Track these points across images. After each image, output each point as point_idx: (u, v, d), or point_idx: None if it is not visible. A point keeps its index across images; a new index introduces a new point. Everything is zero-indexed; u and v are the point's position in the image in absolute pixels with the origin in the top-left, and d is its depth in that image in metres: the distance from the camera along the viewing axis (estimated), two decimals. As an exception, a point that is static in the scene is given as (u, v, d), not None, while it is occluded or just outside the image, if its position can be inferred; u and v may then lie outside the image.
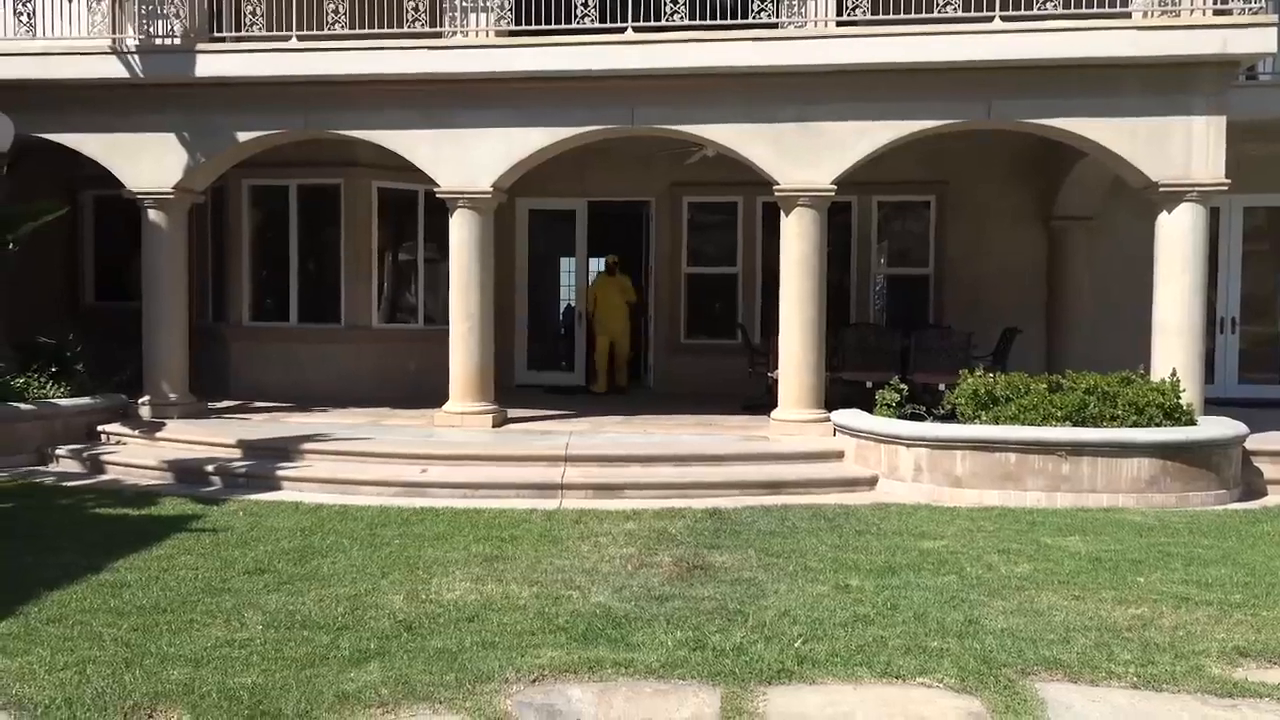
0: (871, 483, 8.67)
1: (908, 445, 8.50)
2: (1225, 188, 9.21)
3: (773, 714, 3.99)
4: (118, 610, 5.16)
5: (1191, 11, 9.04)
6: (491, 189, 10.02)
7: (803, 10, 9.60)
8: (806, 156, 9.54)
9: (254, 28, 10.22)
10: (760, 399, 11.09)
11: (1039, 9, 9.25)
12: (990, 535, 6.94)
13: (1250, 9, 8.93)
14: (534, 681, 4.27)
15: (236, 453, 9.23)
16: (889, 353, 10.91)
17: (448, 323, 10.34)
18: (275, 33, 10.15)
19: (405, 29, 9.97)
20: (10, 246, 10.27)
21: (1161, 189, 9.18)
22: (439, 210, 10.58)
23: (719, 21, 9.53)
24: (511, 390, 12.65)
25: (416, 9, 9.95)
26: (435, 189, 10.18)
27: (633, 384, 13.67)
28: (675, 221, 13.25)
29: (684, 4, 9.53)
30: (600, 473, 8.60)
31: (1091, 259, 12.44)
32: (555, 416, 10.81)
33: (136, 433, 9.94)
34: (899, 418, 8.83)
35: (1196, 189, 9.14)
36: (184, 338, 10.84)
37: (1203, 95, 9.10)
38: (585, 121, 9.83)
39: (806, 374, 9.65)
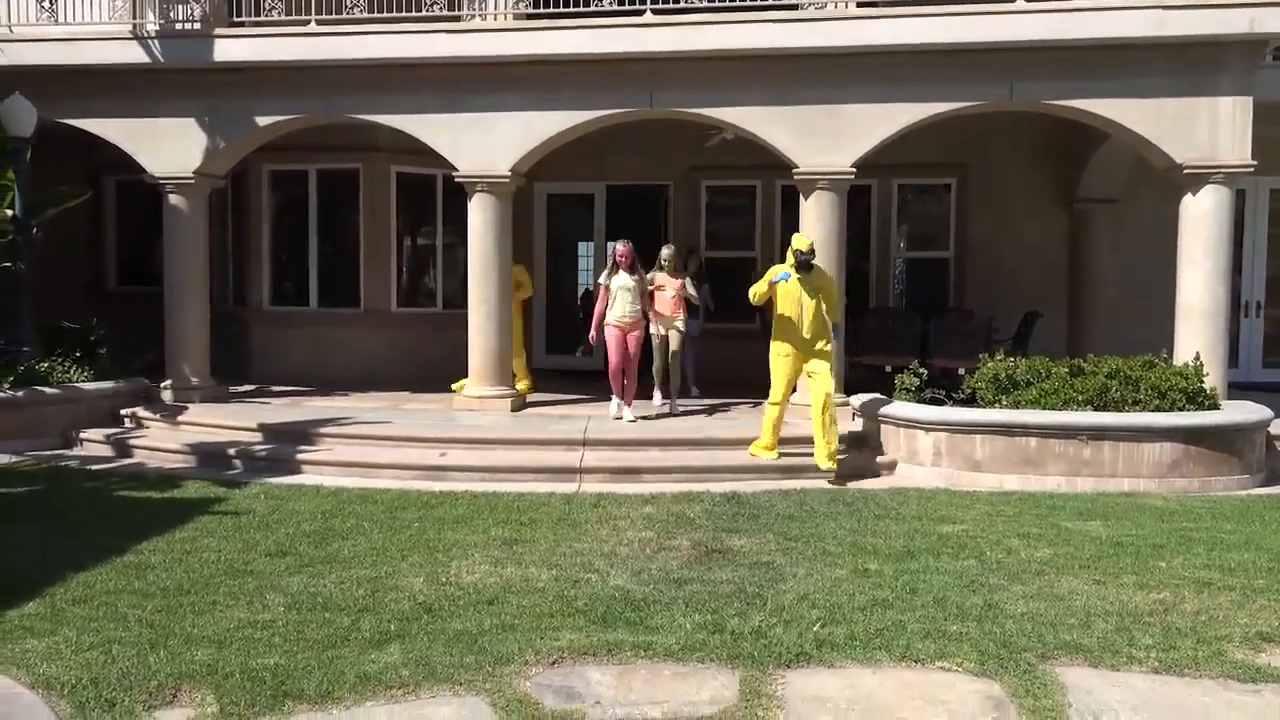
0: (890, 467, 8.65)
1: (927, 430, 8.47)
2: (1251, 169, 9.11)
3: (791, 697, 3.99)
4: (142, 591, 5.22)
5: (1218, -10, 8.91)
6: (510, 173, 10.02)
7: (823, -9, 9.52)
8: (826, 139, 9.49)
9: (273, 12, 10.24)
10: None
11: (1062, -12, 9.15)
12: (1010, 520, 6.91)
13: (1279, -13, 8.79)
14: (553, 664, 4.29)
15: (257, 436, 9.30)
16: (908, 337, 10.85)
17: (466, 307, 10.36)
18: (294, 17, 10.17)
19: (424, 12, 9.97)
20: (34, 231, 10.36)
21: (1186, 171, 9.08)
22: (458, 194, 10.58)
23: (739, 3, 9.47)
24: (529, 374, 12.66)
25: (435, -8, 9.95)
26: (454, 173, 10.18)
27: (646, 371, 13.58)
28: (694, 205, 13.21)
29: (703, -15, 9.49)
30: (618, 456, 8.62)
31: (1114, 242, 12.32)
32: (573, 400, 10.82)
33: (159, 416, 10.03)
34: (918, 402, 8.79)
35: (1222, 171, 9.03)
36: (205, 322, 10.92)
37: (1229, 75, 8.98)
38: (604, 105, 9.80)
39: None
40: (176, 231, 10.65)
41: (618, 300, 9.62)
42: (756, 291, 8.58)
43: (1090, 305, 12.37)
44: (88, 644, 4.46)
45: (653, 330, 10.04)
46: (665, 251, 10.19)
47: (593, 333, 9.68)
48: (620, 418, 9.61)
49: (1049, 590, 5.29)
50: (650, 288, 9.91)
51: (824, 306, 8.46)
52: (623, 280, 9.64)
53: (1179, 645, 4.48)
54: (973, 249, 12.76)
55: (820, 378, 8.35)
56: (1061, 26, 8.92)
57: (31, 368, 10.00)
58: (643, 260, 9.96)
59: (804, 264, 8.45)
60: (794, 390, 8.80)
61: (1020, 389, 8.52)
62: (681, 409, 10.18)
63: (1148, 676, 4.21)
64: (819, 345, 8.43)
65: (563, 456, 8.62)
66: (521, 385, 10.90)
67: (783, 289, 8.43)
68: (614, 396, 9.86)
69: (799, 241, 8.53)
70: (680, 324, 10.08)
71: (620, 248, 9.68)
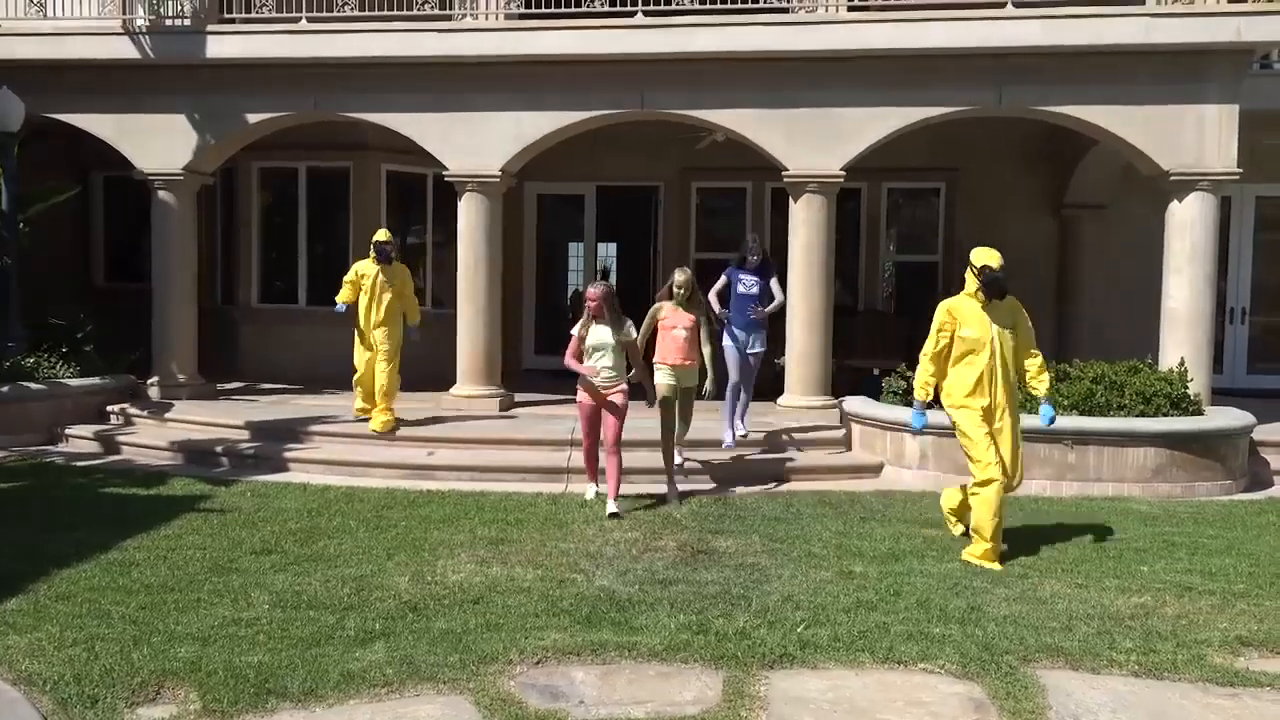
0: (877, 469, 8.67)
1: (914, 433, 8.48)
2: (1237, 177, 9.17)
3: (774, 697, 4.01)
4: (126, 588, 5.21)
5: (1206, -2, 8.98)
6: (500, 172, 10.02)
7: (814, -5, 9.55)
8: (816, 142, 9.51)
9: (264, 9, 10.22)
10: (767, 385, 11.06)
11: (1052, -5, 9.20)
12: (995, 523, 6.93)
13: (1265, -4, 8.86)
14: (538, 663, 4.30)
15: (245, 434, 9.27)
16: (897, 340, 10.90)
17: (456, 306, 10.35)
18: (285, 14, 10.15)
19: (415, 11, 9.96)
20: (21, 227, 10.32)
21: (1173, 177, 9.14)
22: (448, 193, 10.58)
23: (729, 5, 9.49)
24: (519, 374, 12.67)
25: (426, -9, 9.95)
26: (444, 172, 10.17)
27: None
28: (684, 207, 13.22)
29: (694, -12, 9.50)
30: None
31: (1102, 247, 12.38)
32: (562, 401, 10.80)
33: (146, 413, 9.99)
34: (906, 405, 8.81)
35: (1208, 178, 9.09)
36: (193, 319, 10.88)
37: (1216, 83, 9.04)
38: (595, 105, 9.81)
39: (813, 361, 9.64)
40: (165, 228, 10.62)
41: (591, 360, 7.20)
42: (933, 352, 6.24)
43: (1077, 310, 12.43)
44: (71, 640, 4.45)
45: (657, 381, 7.53)
46: (679, 276, 7.69)
47: (570, 360, 7.31)
48: (597, 500, 7.32)
49: (1031, 593, 5.32)
50: (655, 324, 7.67)
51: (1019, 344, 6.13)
52: (598, 336, 7.15)
53: (1159, 649, 4.51)
54: (962, 252, 12.66)
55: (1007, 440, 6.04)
56: (1050, 32, 8.97)
57: (17, 363, 9.95)
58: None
59: (996, 287, 5.91)
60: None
61: (1006, 393, 8.53)
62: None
63: (1127, 679, 4.24)
64: (1009, 398, 6.09)
65: (550, 456, 8.62)
66: (380, 419, 9.10)
67: (967, 328, 6.01)
68: (591, 483, 7.56)
69: (987, 256, 5.90)
70: (694, 375, 7.71)
71: (591, 291, 7.19)
